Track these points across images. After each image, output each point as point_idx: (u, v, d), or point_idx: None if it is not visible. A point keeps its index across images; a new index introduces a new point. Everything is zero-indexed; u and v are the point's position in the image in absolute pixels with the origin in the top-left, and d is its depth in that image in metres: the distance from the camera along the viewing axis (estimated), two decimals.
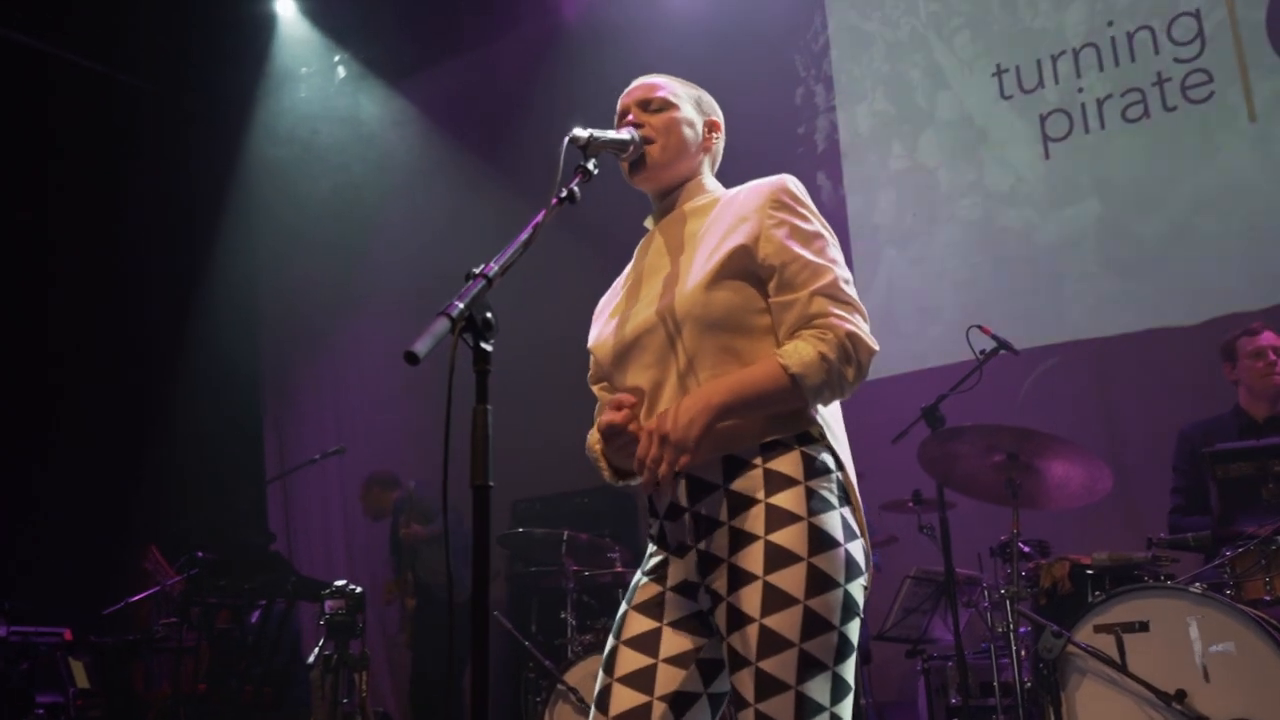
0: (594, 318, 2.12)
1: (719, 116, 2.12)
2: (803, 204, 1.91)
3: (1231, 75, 5.13)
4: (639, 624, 1.90)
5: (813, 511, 1.78)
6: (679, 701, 1.85)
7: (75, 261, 6.95)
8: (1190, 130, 5.19)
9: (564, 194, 1.76)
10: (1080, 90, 5.48)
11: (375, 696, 5.57)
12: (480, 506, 1.44)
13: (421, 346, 1.39)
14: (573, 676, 4.27)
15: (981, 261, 5.60)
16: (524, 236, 1.66)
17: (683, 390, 1.85)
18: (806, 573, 1.74)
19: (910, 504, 4.34)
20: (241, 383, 7.88)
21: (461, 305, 1.48)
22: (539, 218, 1.69)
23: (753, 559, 1.77)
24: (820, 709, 1.73)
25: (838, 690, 1.76)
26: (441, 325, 1.45)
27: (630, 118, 2.03)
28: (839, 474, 1.86)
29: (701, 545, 1.84)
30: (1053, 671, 3.23)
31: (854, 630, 1.79)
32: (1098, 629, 3.24)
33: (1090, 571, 3.74)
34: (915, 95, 5.96)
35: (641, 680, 1.86)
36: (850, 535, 1.81)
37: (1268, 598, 3.25)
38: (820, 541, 1.77)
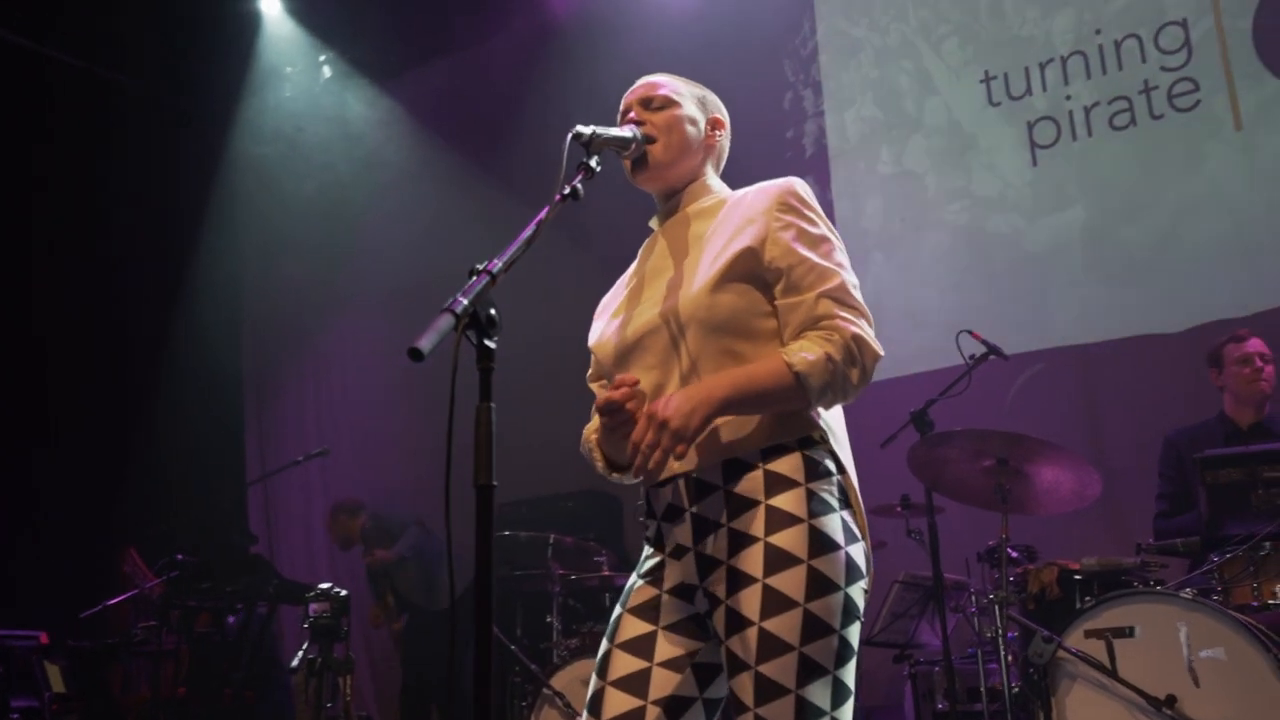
0: (595, 316, 2.10)
1: (723, 115, 2.11)
2: (810, 207, 1.90)
3: (1218, 84, 5.16)
4: (634, 627, 1.88)
5: (813, 514, 1.77)
6: (673, 706, 1.83)
7: (56, 260, 6.88)
8: (1176, 138, 5.21)
9: (567, 191, 1.74)
10: (1068, 98, 5.50)
11: (359, 701, 5.52)
12: (483, 506, 1.42)
13: (425, 343, 1.37)
14: (558, 681, 4.25)
15: (969, 267, 5.61)
16: (527, 233, 1.64)
17: None
18: (807, 575, 1.73)
19: (899, 509, 4.34)
20: (223, 383, 7.82)
21: (465, 301, 1.45)
22: (542, 214, 1.67)
23: (752, 561, 1.75)
24: (821, 713, 1.72)
25: (838, 694, 1.75)
26: (445, 322, 1.43)
27: (632, 116, 2.02)
28: (840, 477, 1.85)
29: (700, 547, 1.82)
30: (1043, 676, 3.23)
31: (854, 633, 1.78)
32: (1088, 634, 3.24)
33: (1078, 577, 3.76)
34: (904, 101, 5.97)
35: (635, 684, 1.83)
36: (851, 538, 1.80)
37: (1255, 603, 3.26)
38: (821, 544, 1.75)
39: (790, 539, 1.75)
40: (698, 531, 1.83)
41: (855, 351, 1.79)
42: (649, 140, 1.98)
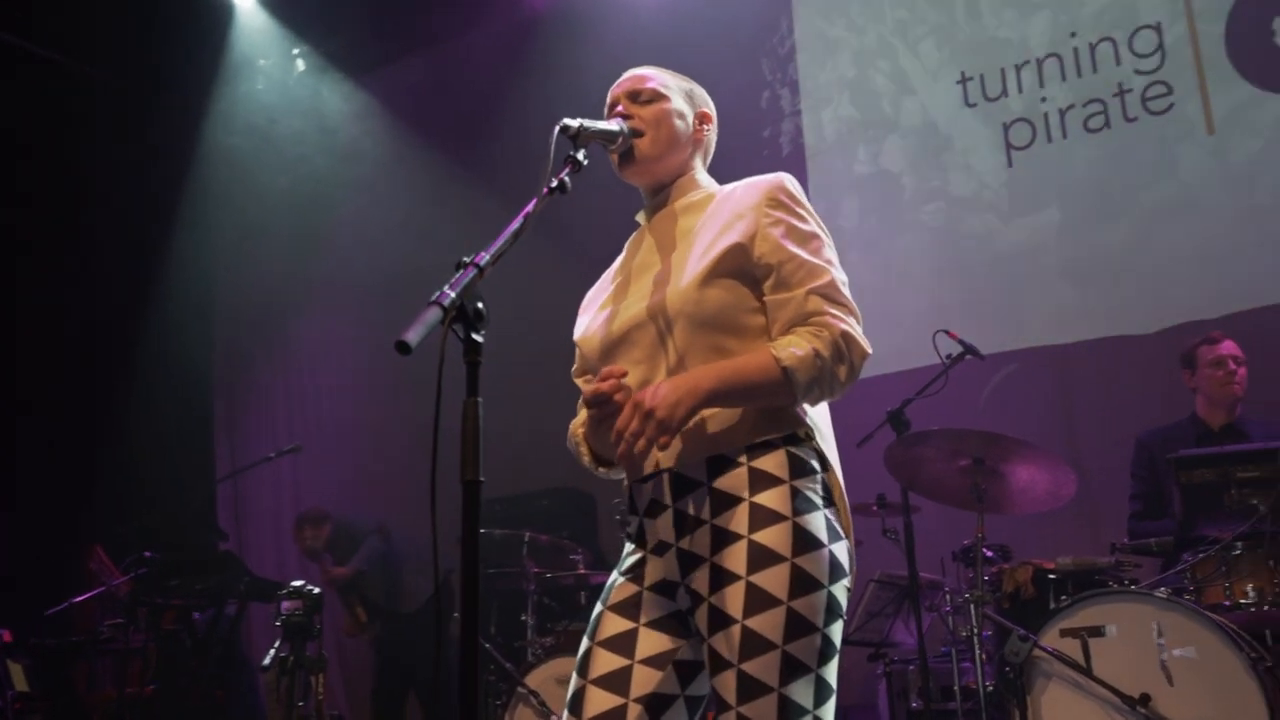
0: (580, 311, 2.09)
1: (711, 108, 2.10)
2: (800, 203, 1.89)
3: (1191, 88, 5.20)
4: (615, 624, 1.86)
5: (797, 511, 1.76)
6: (655, 704, 1.82)
7: (25, 252, 6.77)
8: (1150, 141, 5.25)
9: (554, 184, 1.72)
10: (1043, 100, 5.53)
11: (330, 699, 5.47)
12: (470, 502, 1.40)
13: (413, 336, 1.35)
14: (533, 679, 4.22)
15: (944, 268, 5.63)
16: (515, 226, 1.62)
17: None
18: (790, 573, 1.72)
19: (875, 508, 4.35)
20: (193, 378, 7.72)
21: (453, 294, 1.43)
22: (529, 207, 1.66)
23: (735, 559, 1.74)
24: (803, 711, 1.71)
25: (820, 692, 1.74)
26: (433, 314, 1.41)
27: (619, 109, 2.00)
28: (824, 474, 1.84)
29: (682, 543, 1.81)
30: (1019, 675, 3.24)
31: (837, 632, 1.77)
32: (1063, 633, 3.26)
33: (1053, 576, 3.77)
34: (880, 101, 5.98)
35: (616, 682, 1.82)
36: (834, 536, 1.79)
37: (1227, 603, 3.29)
38: (804, 542, 1.74)
39: (774, 536, 1.74)
40: (680, 528, 1.81)
41: (843, 348, 1.78)
42: (636, 134, 1.96)
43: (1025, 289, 5.43)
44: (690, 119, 2.04)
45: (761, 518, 1.75)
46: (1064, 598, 3.45)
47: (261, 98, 7.56)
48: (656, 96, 2.01)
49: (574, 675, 1.88)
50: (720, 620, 1.72)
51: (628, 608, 1.86)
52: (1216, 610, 3.23)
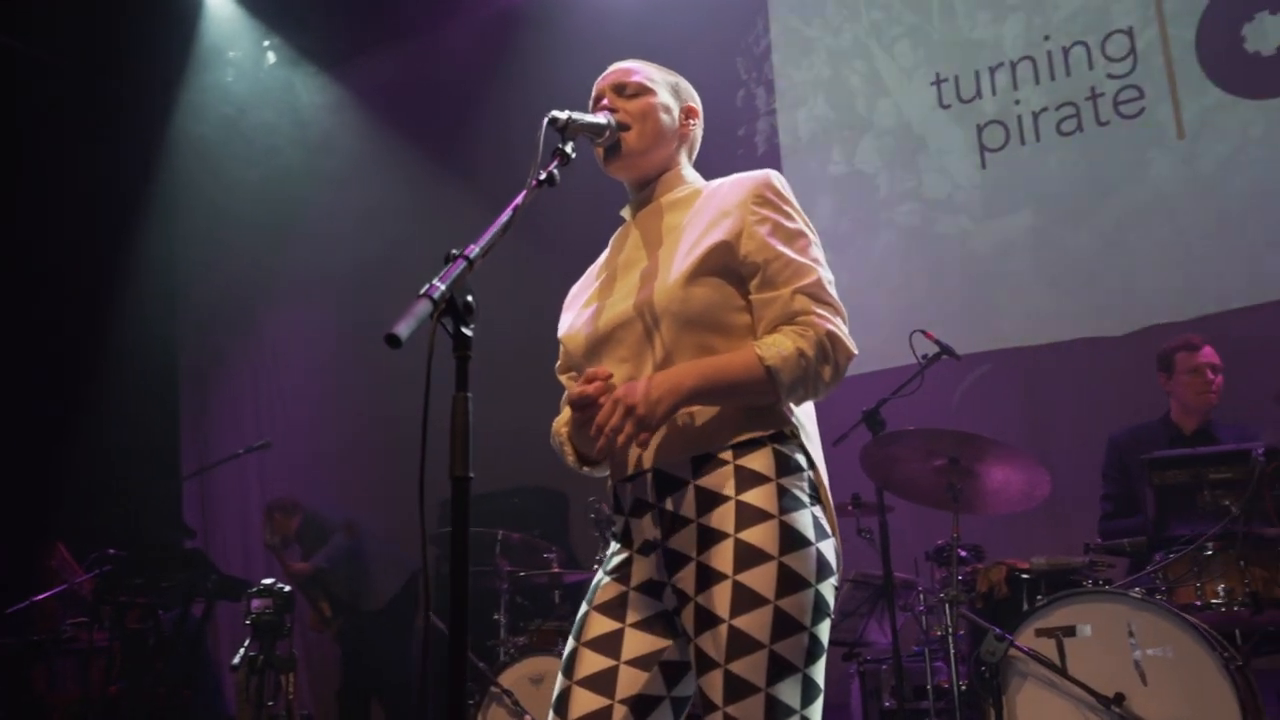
0: (564, 307, 2.06)
1: (697, 103, 2.08)
2: (787, 201, 1.88)
3: (1162, 92, 5.25)
4: (600, 625, 1.84)
5: (784, 510, 1.75)
6: (641, 705, 1.80)
7: None
8: (1121, 145, 5.30)
9: (543, 177, 1.70)
10: (1017, 102, 5.57)
11: (299, 699, 5.40)
12: (460, 499, 1.37)
13: (403, 329, 1.33)
14: (506, 679, 4.19)
15: (917, 268, 5.65)
16: (504, 219, 1.60)
17: None
18: (777, 572, 1.71)
19: (850, 507, 4.35)
20: (159, 373, 7.62)
21: (443, 287, 1.40)
22: (518, 199, 1.63)
23: (722, 558, 1.72)
24: (791, 711, 1.70)
25: (808, 692, 1.73)
26: (423, 308, 1.38)
27: (605, 103, 1.98)
28: (810, 472, 1.83)
29: (668, 543, 1.79)
30: (995, 675, 3.25)
31: (824, 631, 1.76)
32: (1039, 632, 3.27)
33: (1026, 576, 3.79)
34: (855, 101, 6.00)
35: (602, 683, 1.80)
36: (821, 534, 1.78)
37: (1198, 603, 3.31)
38: (791, 540, 1.73)
39: (761, 535, 1.72)
40: (666, 527, 1.80)
41: (828, 348, 1.77)
42: (623, 128, 1.94)
43: (998, 290, 5.47)
44: (676, 113, 2.02)
45: (748, 516, 1.74)
46: (1039, 598, 3.46)
47: (232, 89, 7.48)
48: (642, 90, 1.99)
49: (559, 676, 1.85)
50: (707, 620, 1.71)
51: (613, 608, 1.85)
52: (1188, 610, 3.25)
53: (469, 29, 7.08)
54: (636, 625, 1.83)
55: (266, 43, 7.56)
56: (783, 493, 1.76)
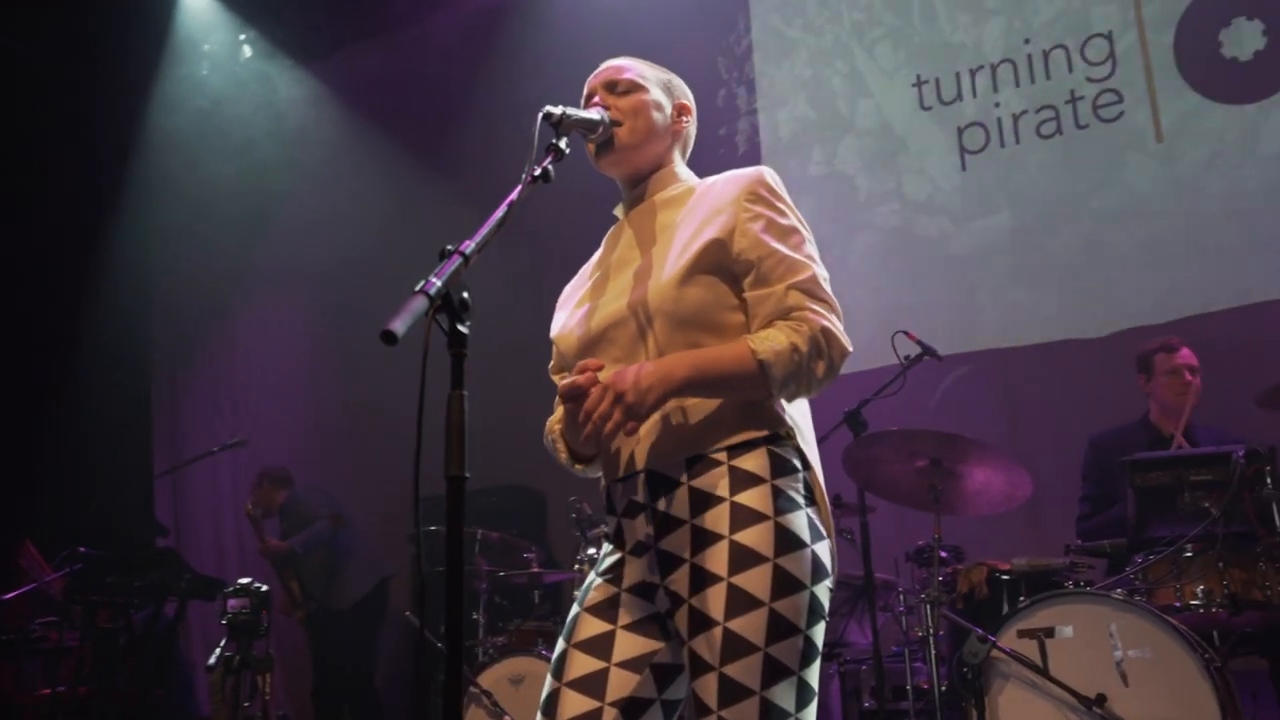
0: (557, 307, 2.04)
1: (690, 100, 2.07)
2: (780, 198, 1.87)
3: (1140, 96, 5.28)
4: (591, 626, 1.82)
5: (779, 511, 1.73)
6: (631, 708, 1.78)
7: None
8: (1100, 148, 5.33)
9: (538, 172, 1.68)
10: (997, 105, 5.59)
11: (277, 699, 5.35)
12: (455, 498, 1.35)
13: (399, 325, 1.30)
14: (485, 679, 4.16)
15: (897, 269, 5.66)
16: (499, 214, 1.57)
17: None
18: (772, 574, 1.69)
19: (832, 508, 4.34)
20: (132, 368, 7.51)
21: (439, 283, 1.38)
22: (513, 195, 1.61)
23: (716, 559, 1.71)
24: (785, 715, 1.68)
25: (803, 696, 1.72)
26: (420, 304, 1.36)
27: (597, 100, 1.96)
28: (805, 473, 1.81)
29: (662, 544, 1.77)
30: (977, 676, 3.26)
31: (819, 633, 1.74)
32: (1021, 634, 3.27)
33: (1007, 577, 3.80)
34: (836, 102, 6.00)
35: (592, 685, 1.78)
36: (817, 536, 1.77)
37: (1177, 604, 3.33)
38: (787, 542, 1.72)
39: (756, 537, 1.71)
40: (660, 528, 1.78)
41: (823, 344, 1.76)
42: (616, 124, 1.92)
43: (977, 292, 5.48)
44: (669, 111, 2.01)
45: (743, 517, 1.72)
46: (1021, 599, 3.47)
47: (207, 82, 7.40)
48: (634, 87, 1.97)
49: (548, 677, 1.83)
50: (701, 622, 1.69)
51: (604, 610, 1.82)
52: (1166, 611, 3.26)
53: (448, 25, 7.04)
54: (628, 627, 1.81)
55: (242, 36, 7.49)
56: (778, 494, 1.74)
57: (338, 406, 6.72)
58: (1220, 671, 3.09)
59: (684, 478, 1.77)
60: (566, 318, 1.96)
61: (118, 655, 5.48)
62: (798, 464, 1.80)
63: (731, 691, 1.66)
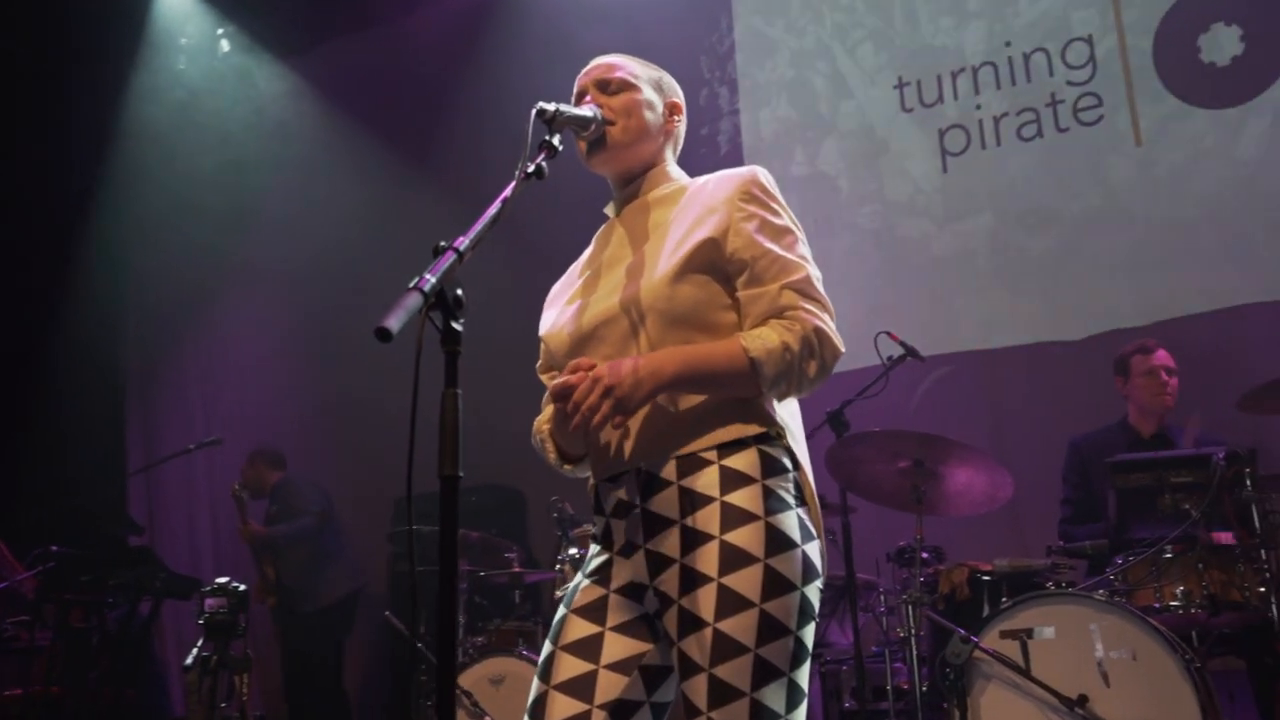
0: (546, 305, 2.03)
1: (680, 99, 2.06)
2: (773, 197, 1.87)
3: (1120, 100, 5.31)
4: (579, 628, 1.81)
5: (770, 511, 1.73)
6: (620, 710, 1.76)
7: None
8: (1081, 151, 5.35)
9: (531, 169, 1.66)
10: (978, 107, 5.61)
11: (255, 700, 5.29)
12: (448, 498, 1.33)
13: (394, 322, 1.28)
14: (466, 679, 4.13)
15: (879, 270, 5.67)
16: (493, 211, 1.56)
17: None
18: (763, 575, 1.68)
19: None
20: (106, 364, 7.42)
21: (434, 280, 1.36)
22: (507, 191, 1.60)
23: (707, 560, 1.70)
24: (775, 716, 1.68)
25: (793, 697, 1.71)
26: (414, 301, 1.34)
27: (588, 99, 1.95)
28: (796, 473, 1.81)
29: (651, 544, 1.76)
30: (960, 677, 3.26)
31: (810, 635, 1.74)
32: (1003, 634, 3.28)
33: (988, 578, 3.81)
34: (818, 103, 6.01)
35: (581, 687, 1.76)
36: (807, 536, 1.76)
37: (1157, 604, 3.35)
38: (778, 542, 1.71)
39: (747, 537, 1.70)
40: (649, 528, 1.76)
41: (815, 344, 1.76)
42: (609, 122, 1.91)
43: (958, 293, 5.50)
44: (660, 109, 2.00)
45: (734, 518, 1.71)
46: (1003, 600, 3.48)
47: (184, 76, 7.32)
48: (625, 86, 1.96)
49: (535, 680, 1.81)
50: (691, 623, 1.68)
51: (593, 611, 1.81)
52: (1147, 612, 3.28)
53: (429, 21, 7.00)
54: (617, 629, 1.79)
55: (220, 30, 7.42)
56: (768, 494, 1.74)
57: (316, 405, 6.66)
58: (1200, 672, 3.11)
59: (674, 477, 1.75)
60: (556, 315, 1.95)
61: (90, 655, 5.41)
62: (788, 464, 1.79)
63: (721, 693, 1.65)
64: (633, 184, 1.98)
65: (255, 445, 6.18)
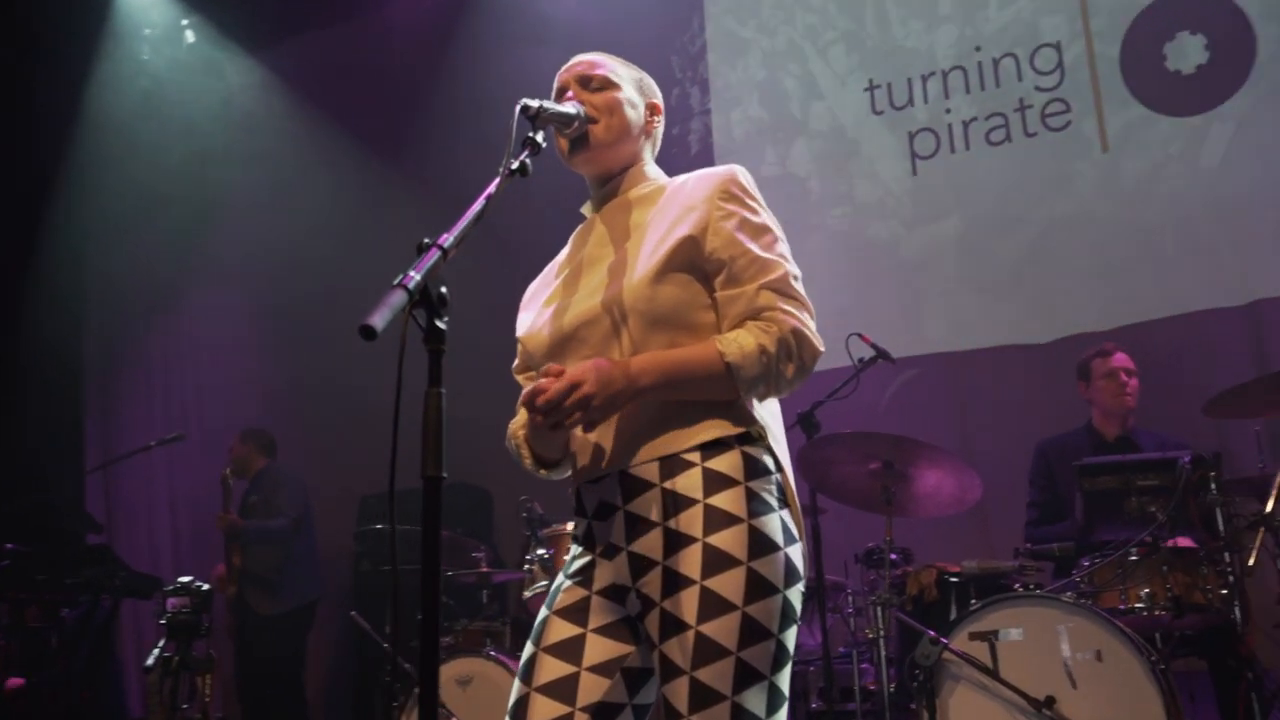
0: (522, 306, 2.01)
1: (659, 99, 2.05)
2: (752, 196, 1.86)
3: (1087, 106, 5.37)
4: (561, 630, 1.79)
5: (753, 513, 1.72)
6: (602, 713, 1.75)
7: None
8: (1048, 157, 5.40)
9: (515, 166, 1.64)
10: (948, 111, 5.64)
11: (217, 701, 5.21)
12: (431, 499, 1.31)
13: (379, 320, 1.26)
14: None
15: (848, 272, 5.69)
16: (476, 208, 1.54)
17: None
18: (746, 578, 1.67)
19: None
20: (63, 359, 7.28)
21: (418, 277, 1.34)
22: (490, 188, 1.58)
23: (689, 562, 1.68)
24: None
25: (774, 701, 1.71)
26: (399, 298, 1.32)
27: (570, 95, 1.93)
28: (778, 475, 1.80)
29: (633, 546, 1.74)
30: (929, 678, 3.28)
31: (791, 638, 1.73)
32: (972, 636, 3.30)
33: (956, 580, 3.83)
34: (790, 104, 6.02)
35: (562, 690, 1.74)
36: (790, 539, 1.75)
37: (1122, 606, 3.38)
38: (760, 545, 1.70)
39: (730, 540, 1.69)
40: (631, 530, 1.75)
41: (792, 345, 1.75)
42: (592, 120, 1.89)
43: (926, 296, 5.53)
44: (641, 109, 1.99)
45: (717, 520, 1.70)
46: (972, 601, 3.50)
47: (148, 68, 7.21)
48: (607, 84, 1.94)
49: (516, 682, 1.79)
50: (673, 625, 1.67)
51: (574, 613, 1.79)
52: (1112, 614, 3.31)
53: (400, 16, 6.96)
54: (598, 630, 1.78)
55: (185, 21, 7.31)
56: (751, 496, 1.73)
57: (281, 402, 6.58)
58: (1164, 673, 3.14)
59: (656, 479, 1.74)
60: (534, 317, 1.93)
61: (48, 655, 5.31)
62: (770, 465, 1.79)
63: (702, 696, 1.64)
64: (611, 183, 1.96)
65: (245, 426, 6.07)
